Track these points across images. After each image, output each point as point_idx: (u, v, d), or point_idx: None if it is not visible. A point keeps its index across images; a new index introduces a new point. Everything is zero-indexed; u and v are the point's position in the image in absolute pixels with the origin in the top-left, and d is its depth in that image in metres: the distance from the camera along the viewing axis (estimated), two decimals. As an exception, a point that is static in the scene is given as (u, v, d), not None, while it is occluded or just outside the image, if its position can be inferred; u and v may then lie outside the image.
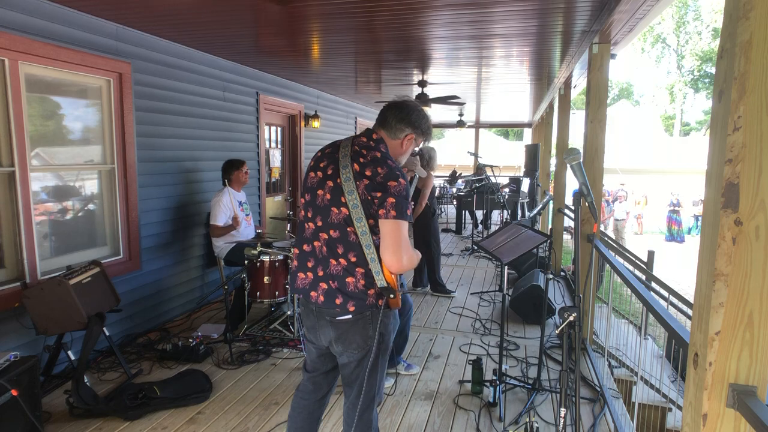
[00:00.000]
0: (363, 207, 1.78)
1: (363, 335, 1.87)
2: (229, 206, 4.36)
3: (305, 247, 1.95)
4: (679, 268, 12.10)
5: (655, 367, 4.34)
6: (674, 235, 18.44)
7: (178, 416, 2.96)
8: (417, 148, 3.34)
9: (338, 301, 1.84)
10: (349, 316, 1.85)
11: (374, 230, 1.81)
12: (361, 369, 1.91)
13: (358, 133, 2.24)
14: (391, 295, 1.84)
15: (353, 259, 1.83)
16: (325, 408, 2.20)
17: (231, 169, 4.48)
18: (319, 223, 1.89)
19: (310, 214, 1.93)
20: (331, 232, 1.85)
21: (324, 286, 1.87)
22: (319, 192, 1.89)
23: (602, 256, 3.36)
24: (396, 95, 2.12)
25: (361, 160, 1.83)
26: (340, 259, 1.85)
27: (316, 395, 2.13)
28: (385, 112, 1.98)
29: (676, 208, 18.51)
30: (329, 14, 3.58)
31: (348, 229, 1.82)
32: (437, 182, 11.23)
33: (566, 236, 9.40)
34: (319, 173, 1.92)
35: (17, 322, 3.13)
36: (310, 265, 1.93)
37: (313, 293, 1.90)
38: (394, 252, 1.77)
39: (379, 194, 1.77)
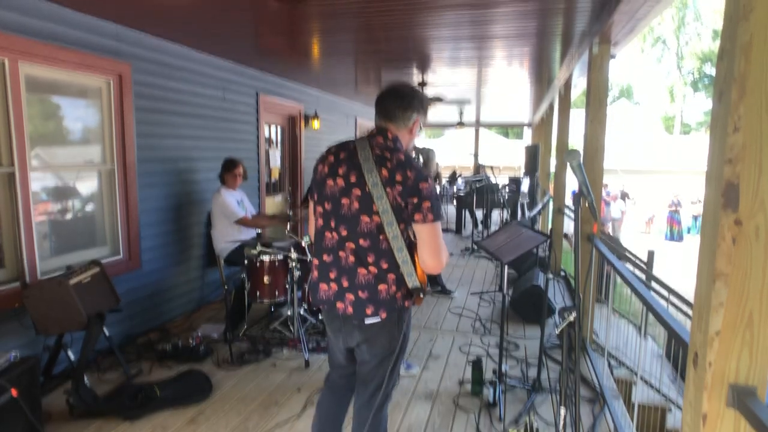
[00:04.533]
0: (394, 212, 1.75)
1: (389, 337, 1.88)
2: (233, 200, 4.38)
3: (326, 257, 1.90)
4: (677, 268, 12.10)
5: (655, 367, 4.34)
6: (674, 235, 18.52)
7: (178, 416, 2.96)
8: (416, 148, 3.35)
9: (369, 311, 1.83)
10: (379, 319, 1.85)
11: (404, 233, 1.81)
12: (380, 368, 1.92)
13: (359, 132, 2.23)
14: (421, 294, 1.86)
15: (385, 266, 1.81)
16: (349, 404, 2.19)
17: (224, 169, 4.49)
18: (344, 233, 1.84)
19: (332, 224, 1.86)
20: (361, 241, 1.81)
21: (351, 297, 1.84)
22: (344, 201, 1.82)
23: (602, 256, 3.36)
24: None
25: (388, 164, 1.78)
26: (370, 267, 1.82)
27: (348, 391, 2.14)
28: (386, 104, 1.91)
29: (677, 208, 18.61)
30: (329, 14, 3.58)
31: (380, 236, 1.79)
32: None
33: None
34: (340, 180, 1.84)
35: (17, 322, 3.13)
36: (332, 276, 1.88)
37: (339, 304, 1.87)
38: (435, 255, 1.79)
39: (415, 199, 1.75)
